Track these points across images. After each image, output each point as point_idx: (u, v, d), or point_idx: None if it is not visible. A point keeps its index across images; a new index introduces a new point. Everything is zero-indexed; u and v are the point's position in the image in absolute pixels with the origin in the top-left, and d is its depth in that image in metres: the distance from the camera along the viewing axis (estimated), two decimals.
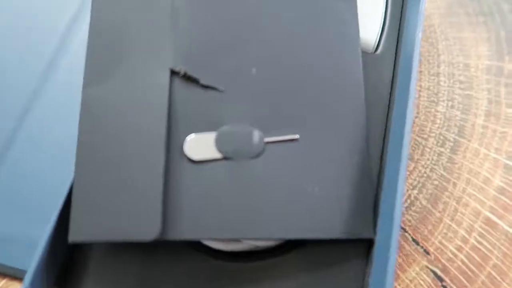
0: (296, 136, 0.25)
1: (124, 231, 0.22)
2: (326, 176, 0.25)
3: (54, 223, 0.24)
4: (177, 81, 0.26)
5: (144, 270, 0.25)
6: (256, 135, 0.25)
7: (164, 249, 0.26)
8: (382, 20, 0.31)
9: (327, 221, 0.24)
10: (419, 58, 0.28)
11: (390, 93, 0.29)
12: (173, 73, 0.25)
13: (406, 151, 0.25)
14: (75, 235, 0.22)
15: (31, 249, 0.23)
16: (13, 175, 0.32)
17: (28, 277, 0.22)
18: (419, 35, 0.27)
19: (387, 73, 0.29)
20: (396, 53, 0.30)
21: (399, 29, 0.31)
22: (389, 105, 0.28)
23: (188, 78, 0.26)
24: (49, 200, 0.26)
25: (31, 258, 0.23)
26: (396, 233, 0.23)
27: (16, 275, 0.29)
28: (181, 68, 0.25)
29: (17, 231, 0.30)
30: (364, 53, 0.30)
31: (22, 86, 0.35)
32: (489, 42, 0.35)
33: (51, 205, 0.25)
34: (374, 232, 0.25)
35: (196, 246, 0.26)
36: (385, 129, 0.28)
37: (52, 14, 0.38)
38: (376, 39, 0.30)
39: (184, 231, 0.23)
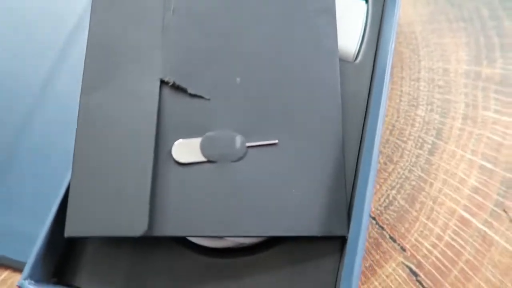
0: (276, 141, 0.27)
1: (115, 227, 0.25)
2: (303, 178, 0.27)
3: (52, 219, 0.26)
4: (167, 90, 0.28)
5: (134, 264, 0.28)
6: (238, 140, 0.27)
7: (154, 245, 0.28)
8: (362, 30, 0.33)
9: (304, 220, 0.26)
10: (391, 68, 0.29)
11: (367, 100, 0.30)
12: (163, 82, 0.28)
13: (376, 156, 0.27)
14: (71, 231, 0.25)
15: (31, 243, 0.25)
16: (16, 176, 0.35)
17: (27, 268, 0.25)
18: (392, 46, 0.29)
19: (366, 81, 0.31)
20: (374, 62, 0.32)
21: (377, 39, 0.32)
22: (366, 111, 0.30)
23: (177, 88, 0.28)
24: (48, 199, 0.28)
25: (30, 251, 0.25)
26: (364, 230, 0.25)
27: (18, 267, 0.32)
28: (170, 78, 0.28)
29: (19, 227, 0.33)
30: (345, 62, 0.31)
31: (24, 93, 0.37)
32: (469, 47, 0.36)
33: (49, 203, 0.27)
34: (347, 230, 0.27)
35: (185, 243, 0.28)
36: (362, 134, 0.30)
37: (53, 26, 0.40)
38: (356, 48, 0.32)
39: (169, 228, 0.25)
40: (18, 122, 0.37)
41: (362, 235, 0.25)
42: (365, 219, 0.25)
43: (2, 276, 0.32)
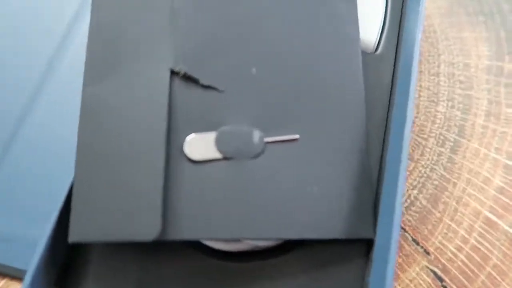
0: (296, 136, 0.25)
1: (124, 232, 0.22)
2: (325, 176, 0.25)
3: (54, 223, 0.24)
4: (177, 81, 0.26)
5: (144, 270, 0.25)
6: (256, 135, 0.25)
7: (163, 249, 0.26)
8: (382, 20, 0.31)
9: (326, 221, 0.24)
10: (419, 58, 0.28)
11: (390, 93, 0.29)
12: (173, 73, 0.25)
13: (406, 151, 0.25)
14: (75, 235, 0.22)
15: (31, 249, 0.23)
16: (13, 176, 0.32)
17: (28, 277, 0.22)
18: (419, 35, 0.27)
19: (387, 73, 0.29)
20: (396, 53, 0.30)
21: (399, 29, 0.31)
22: (389, 105, 0.28)
23: (188, 78, 0.26)
24: (49, 200, 0.26)
25: (31, 258, 0.23)
26: (396, 233, 0.23)
27: (16, 275, 0.29)
28: (181, 68, 0.25)
29: (17, 231, 0.30)
30: (364, 53, 0.30)
31: (22, 85, 0.35)
32: (489, 42, 0.35)
33: (51, 205, 0.25)
34: (374, 232, 0.25)
35: (196, 246, 0.26)
36: (385, 129, 0.28)
37: (53, 14, 0.38)
38: (376, 39, 0.30)
39: (184, 231, 0.23)
40: (16, 116, 0.34)
41: (394, 239, 0.23)
42: (397, 220, 0.23)
43: (0, 285, 0.30)
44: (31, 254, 0.23)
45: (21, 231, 0.30)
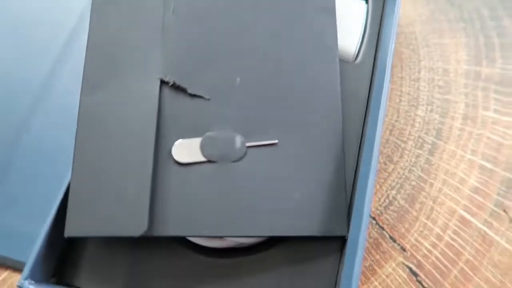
0: (276, 141, 0.27)
1: (115, 227, 0.25)
2: (303, 178, 0.27)
3: (52, 218, 0.26)
4: (166, 90, 0.28)
5: (135, 264, 0.28)
6: (238, 140, 0.27)
7: (154, 245, 0.28)
8: (362, 30, 0.32)
9: (304, 220, 0.26)
10: (391, 68, 0.29)
11: (367, 100, 0.30)
12: (163, 82, 0.28)
13: (376, 156, 0.27)
14: (70, 230, 0.25)
15: (31, 243, 0.25)
16: (16, 176, 0.35)
17: (27, 268, 0.25)
18: (392, 46, 0.29)
19: (366, 80, 0.31)
20: (374, 62, 0.32)
21: (377, 39, 0.32)
22: (366, 111, 0.30)
23: (177, 88, 0.28)
24: (47, 198, 0.28)
25: (30, 251, 0.25)
26: (364, 230, 0.25)
27: (18, 267, 0.31)
28: (170, 78, 0.28)
29: (19, 227, 0.33)
30: (345, 62, 0.31)
31: (25, 92, 0.38)
32: (468, 47, 0.36)
33: (49, 203, 0.27)
34: (347, 230, 0.27)
35: (185, 243, 0.28)
36: (362, 134, 0.30)
37: (54, 26, 0.40)
38: (356, 48, 0.32)
39: (169, 228, 0.25)
40: (18, 121, 0.37)
41: (362, 235, 0.25)
42: (365, 219, 0.25)
43: (2, 276, 0.32)
44: (32, 248, 0.25)
45: (23, 226, 0.32)
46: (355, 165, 0.29)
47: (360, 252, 0.25)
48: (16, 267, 0.32)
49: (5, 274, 0.32)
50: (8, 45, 0.40)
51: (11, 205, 0.34)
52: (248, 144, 0.27)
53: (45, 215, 0.26)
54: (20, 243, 0.32)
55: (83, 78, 0.28)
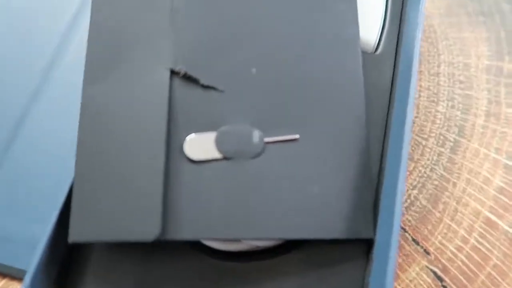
0: (296, 136, 0.25)
1: (124, 232, 0.22)
2: (326, 176, 0.25)
3: (54, 223, 0.24)
4: (177, 81, 0.26)
5: (143, 270, 0.25)
6: (256, 135, 0.25)
7: (163, 249, 0.26)
8: (382, 20, 0.31)
9: (326, 221, 0.24)
10: (419, 58, 0.28)
11: (390, 93, 0.29)
12: (173, 73, 0.25)
13: (406, 151, 0.25)
14: (75, 235, 0.22)
15: (31, 248, 0.23)
16: (13, 176, 0.32)
17: (28, 277, 0.22)
18: (419, 35, 0.27)
19: (387, 73, 0.29)
20: (396, 53, 0.30)
21: (399, 29, 0.31)
22: (389, 105, 0.28)
23: (188, 78, 0.26)
24: (49, 200, 0.26)
25: (31, 258, 0.23)
26: (396, 233, 0.23)
27: (16, 275, 0.29)
28: (181, 68, 0.25)
29: (17, 231, 0.30)
30: (364, 53, 0.30)
31: (22, 85, 0.35)
32: (489, 42, 0.35)
33: (51, 205, 0.25)
34: (374, 232, 0.25)
35: (196, 246, 0.26)
36: (385, 129, 0.28)
37: (53, 13, 0.38)
38: (376, 39, 0.30)
39: (184, 231, 0.23)
40: (16, 115, 0.34)
41: (394, 238, 0.23)
42: (397, 220, 0.23)
43: (0, 285, 0.30)
44: (31, 254, 0.23)
45: (22, 231, 0.30)
46: (379, 162, 0.27)
47: (392, 259, 0.23)
48: (14, 275, 0.29)
49: (2, 282, 0.29)
50: (7, 35, 0.37)
51: (8, 208, 0.31)
52: (266, 139, 0.25)
53: (46, 219, 0.24)
54: (19, 249, 0.29)
55: (85, 68, 0.25)
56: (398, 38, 0.30)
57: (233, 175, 0.25)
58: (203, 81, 0.26)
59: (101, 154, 0.24)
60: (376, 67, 0.29)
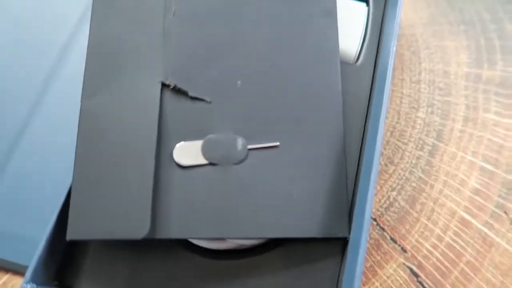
0: (277, 144, 0.27)
1: (117, 230, 0.25)
2: (304, 180, 0.27)
3: (53, 222, 0.27)
4: (168, 93, 0.28)
5: (137, 267, 0.28)
6: (240, 142, 0.27)
7: (155, 248, 0.28)
8: (363, 32, 0.33)
9: (305, 221, 0.26)
10: (393, 69, 0.30)
11: (369, 102, 0.31)
12: (164, 86, 0.28)
13: (377, 158, 0.27)
14: (72, 233, 0.25)
15: (32, 246, 0.25)
16: (16, 178, 0.34)
17: (29, 272, 0.25)
18: (394, 48, 0.29)
19: (367, 82, 0.31)
20: (375, 64, 0.32)
21: (378, 41, 0.32)
22: (367, 113, 0.30)
23: (178, 91, 0.28)
24: (49, 201, 0.28)
25: (32, 254, 0.25)
26: (366, 231, 0.25)
27: (18, 270, 0.31)
28: (171, 81, 0.28)
29: (20, 229, 0.32)
30: (346, 64, 0.32)
31: (24, 94, 0.38)
32: (469, 50, 0.36)
33: (51, 206, 0.27)
34: (349, 232, 0.27)
35: (186, 245, 0.28)
36: (363, 136, 0.30)
37: (53, 28, 0.40)
38: (357, 50, 0.32)
39: (171, 231, 0.25)
40: (18, 122, 0.36)
41: (363, 237, 0.25)
42: (367, 220, 0.25)
43: (3, 280, 0.32)
44: (33, 251, 0.25)
45: (24, 229, 0.32)
46: (356, 167, 0.29)
47: (361, 253, 0.25)
48: (17, 270, 0.31)
49: (6, 277, 0.32)
50: (8, 45, 0.39)
51: (11, 207, 0.33)
52: (249, 146, 0.27)
53: (46, 218, 0.26)
54: (21, 246, 0.31)
55: (83, 81, 0.28)
56: (377, 49, 0.32)
57: (218, 179, 0.27)
58: (191, 93, 0.28)
59: (97, 160, 0.26)
60: (357, 77, 0.31)
